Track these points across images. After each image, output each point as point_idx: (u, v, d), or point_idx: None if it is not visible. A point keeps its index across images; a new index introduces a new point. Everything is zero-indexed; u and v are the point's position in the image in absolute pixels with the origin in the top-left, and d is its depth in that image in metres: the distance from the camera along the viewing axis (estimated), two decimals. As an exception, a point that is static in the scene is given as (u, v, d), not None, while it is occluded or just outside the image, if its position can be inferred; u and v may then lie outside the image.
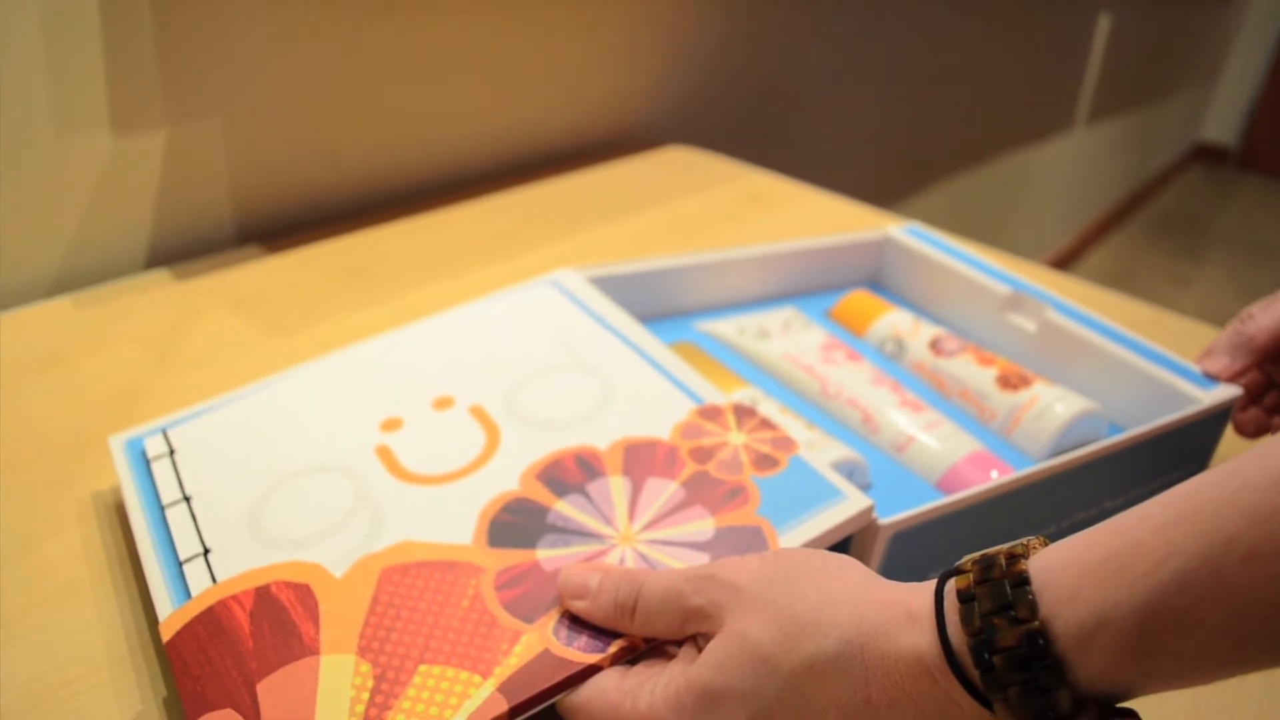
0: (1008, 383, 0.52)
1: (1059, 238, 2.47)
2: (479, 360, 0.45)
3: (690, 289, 0.59)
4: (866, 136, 1.44)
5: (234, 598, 0.34)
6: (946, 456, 0.47)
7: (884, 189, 1.53)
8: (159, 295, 0.65)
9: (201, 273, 0.68)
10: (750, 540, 0.35)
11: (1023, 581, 0.25)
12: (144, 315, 0.62)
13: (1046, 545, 0.27)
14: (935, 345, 0.56)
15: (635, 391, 0.43)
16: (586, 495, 0.37)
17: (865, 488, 0.46)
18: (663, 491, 0.37)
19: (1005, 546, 0.27)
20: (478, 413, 0.42)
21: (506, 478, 0.38)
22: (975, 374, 0.53)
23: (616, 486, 0.38)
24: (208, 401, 0.45)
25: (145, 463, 0.42)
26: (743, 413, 0.41)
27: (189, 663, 0.33)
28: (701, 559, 0.35)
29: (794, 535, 0.36)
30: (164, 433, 0.43)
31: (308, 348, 0.59)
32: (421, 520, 0.37)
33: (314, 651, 0.32)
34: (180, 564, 0.36)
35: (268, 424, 0.43)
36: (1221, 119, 3.54)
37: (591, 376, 0.44)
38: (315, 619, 0.33)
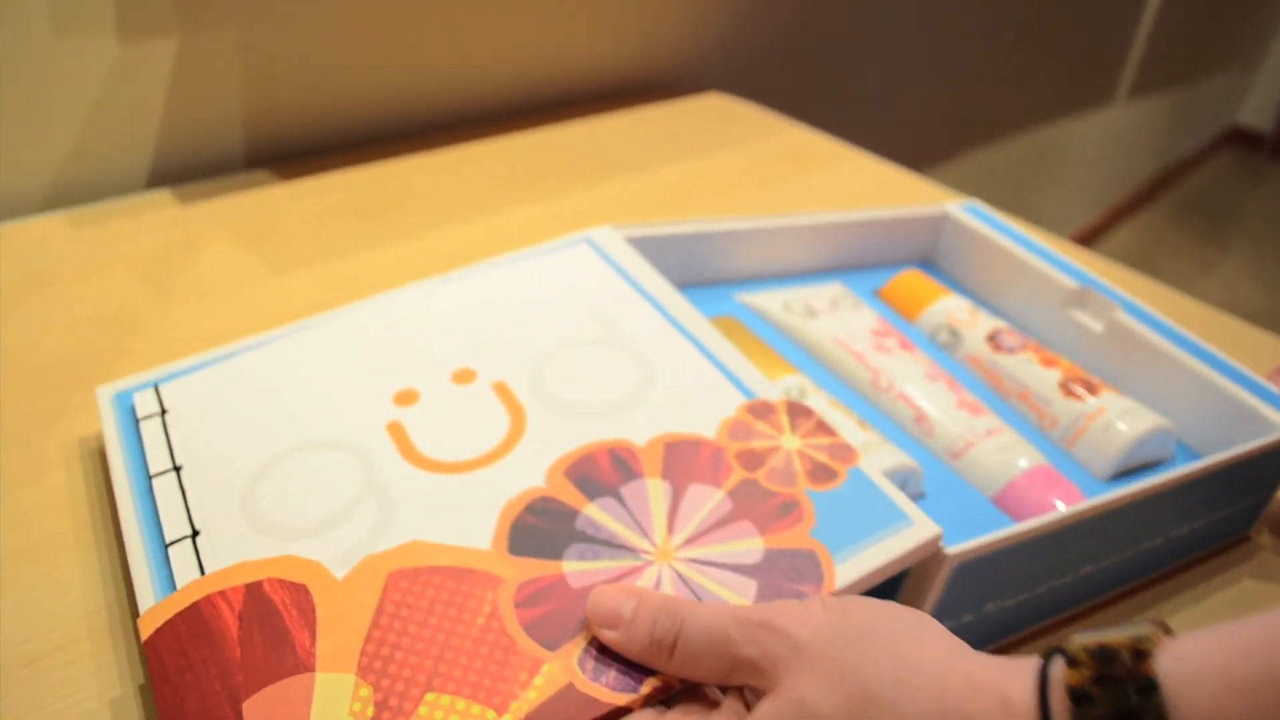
0: (1072, 388, 0.48)
1: (1086, 213, 2.41)
2: (504, 327, 0.41)
3: (732, 256, 0.55)
4: (908, 95, 1.37)
5: (222, 594, 0.30)
6: (1006, 469, 0.43)
7: (918, 149, 1.47)
8: (160, 218, 0.60)
9: (207, 196, 0.63)
10: (803, 568, 0.31)
11: (1150, 687, 0.21)
12: (143, 239, 0.58)
13: (1169, 635, 0.23)
14: (994, 339, 0.51)
15: (677, 377, 0.38)
16: (621, 499, 0.33)
17: (918, 497, 0.42)
18: (706, 501, 0.33)
19: (1124, 635, 0.23)
20: (501, 390, 0.38)
21: (532, 471, 0.34)
22: (1037, 375, 0.49)
23: (655, 491, 0.34)
24: (205, 354, 0.41)
25: (134, 421, 0.38)
26: (797, 411, 0.37)
27: (168, 668, 0.29)
28: (748, 587, 0.31)
29: (852, 564, 0.32)
30: (156, 388, 0.39)
31: (317, 287, 0.55)
32: (434, 515, 0.33)
33: (308, 667, 0.29)
34: (166, 546, 0.33)
35: (269, 386, 0.38)
36: (1259, 104, 3.44)
37: (629, 355, 0.39)
38: (312, 627, 0.30)
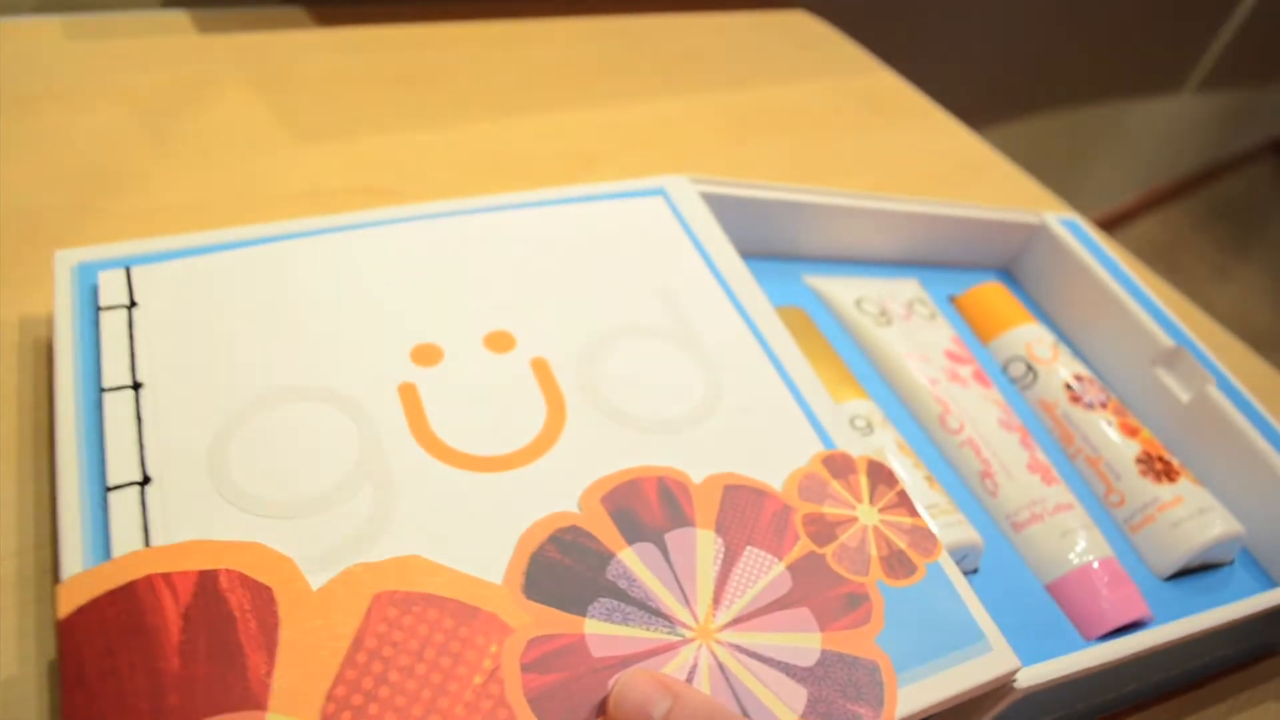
0: (1151, 468, 0.43)
1: (1122, 195, 2.33)
2: (556, 287, 0.34)
3: (806, 229, 0.48)
4: (985, 47, 1.28)
5: (168, 580, 0.25)
6: (1068, 557, 0.38)
7: (979, 101, 1.39)
8: (171, 47, 0.52)
9: (230, 29, 0.55)
10: (863, 684, 0.26)
11: None
12: (148, 68, 0.50)
13: None
14: (1073, 389, 0.46)
15: (748, 401, 0.33)
16: (664, 550, 0.28)
17: (970, 573, 0.37)
18: (763, 572, 0.28)
19: None
20: (541, 370, 0.32)
21: (564, 489, 0.29)
22: (1114, 443, 0.44)
23: (705, 546, 0.28)
24: (195, 235, 0.34)
25: (94, 309, 0.31)
26: (879, 476, 0.31)
27: (86, 667, 0.23)
28: (797, 696, 0.26)
29: (917, 690, 0.27)
30: (127, 270, 0.32)
31: (338, 168, 0.48)
32: (441, 523, 0.27)
33: (260, 703, 0.23)
34: (106, 490, 0.27)
35: (266, 297, 0.32)
36: (1314, 114, 3.33)
37: (696, 360, 0.33)
38: (271, 648, 0.24)
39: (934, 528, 0.35)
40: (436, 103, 0.54)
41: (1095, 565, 0.38)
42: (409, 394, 0.30)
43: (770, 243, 0.48)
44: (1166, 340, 0.48)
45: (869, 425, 0.38)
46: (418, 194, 0.48)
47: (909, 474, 0.37)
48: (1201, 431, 0.46)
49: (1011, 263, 0.55)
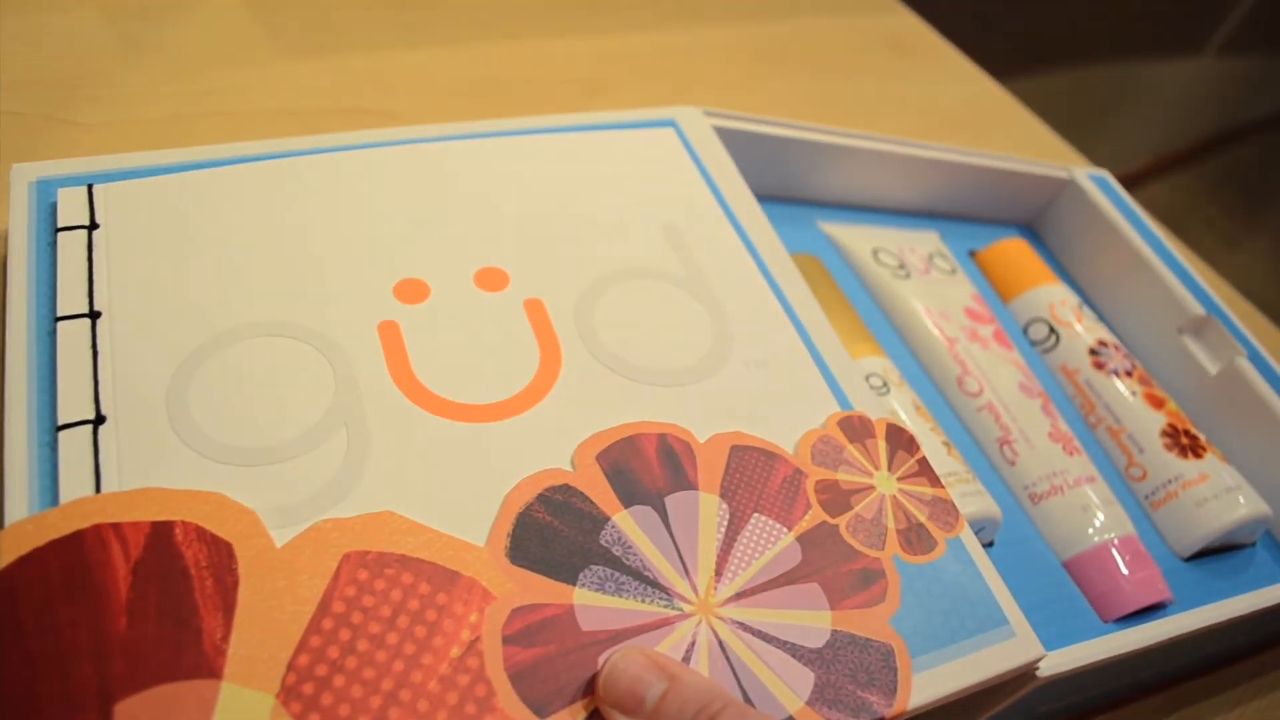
0: (1176, 442, 0.41)
1: (1136, 158, 2.29)
2: (556, 222, 0.32)
3: (821, 171, 0.45)
4: (1010, -9, 1.24)
5: (117, 530, 0.22)
6: (1088, 533, 0.36)
7: (998, 53, 1.34)
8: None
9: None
10: (875, 669, 0.24)
11: None
12: (117, -38, 0.46)
13: None
14: (1098, 354, 0.43)
15: (760, 353, 0.30)
16: (664, 514, 0.25)
17: (986, 546, 0.35)
18: (771, 542, 0.26)
19: None
20: (536, 312, 0.29)
21: (556, 443, 0.26)
22: (1139, 414, 0.41)
23: (708, 512, 0.26)
24: (165, 153, 0.31)
25: (52, 230, 0.28)
26: (899, 441, 0.29)
27: (25, 624, 0.21)
28: (804, 680, 0.24)
29: (933, 678, 0.25)
30: (89, 188, 0.29)
31: (328, 85, 0.44)
32: (420, 476, 0.25)
33: (214, 671, 0.21)
34: (56, 429, 0.24)
35: (240, 223, 0.29)
36: (1332, 82, 3.27)
37: (704, 304, 0.31)
38: (229, 609, 0.22)
39: (952, 500, 0.32)
40: (436, 20, 0.51)
41: (1116, 543, 0.36)
42: (390, 333, 0.28)
43: (785, 185, 0.45)
44: (1196, 308, 0.45)
45: (885, 384, 0.36)
46: (411, 117, 0.45)
47: (926, 439, 0.34)
48: (1229, 405, 0.44)
49: (1036, 219, 0.53)
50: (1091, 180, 0.50)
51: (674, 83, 0.56)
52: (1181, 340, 0.45)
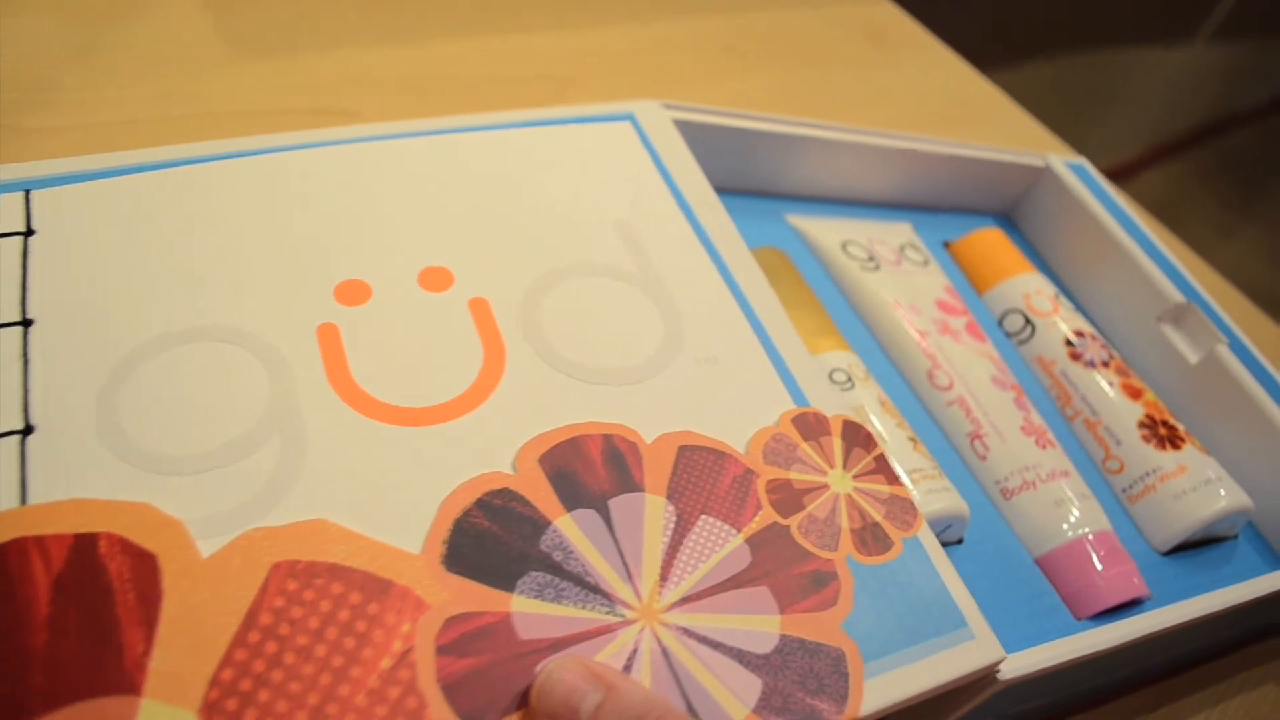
0: (1154, 433, 0.40)
1: (1127, 149, 2.28)
2: (505, 219, 0.31)
3: (788, 163, 0.44)
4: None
5: (40, 543, 0.22)
6: (1061, 529, 0.35)
7: (982, 45, 1.33)
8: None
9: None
10: (825, 675, 0.23)
11: None
12: (70, -36, 0.45)
13: None
14: (1075, 345, 0.43)
15: (712, 350, 0.29)
16: (607, 517, 0.25)
17: (954, 543, 0.34)
18: (719, 545, 0.25)
19: None
20: (480, 311, 0.28)
21: (497, 446, 0.25)
22: (1116, 405, 0.41)
23: (654, 514, 0.25)
24: (108, 156, 0.30)
25: (-19, 234, 0.28)
26: (855, 437, 0.28)
27: (-65, 641, 0.20)
28: (750, 687, 0.23)
29: (886, 683, 0.24)
30: (27, 194, 0.29)
31: (283, 88, 0.44)
32: (355, 482, 0.24)
33: (133, 687, 0.20)
34: (-20, 440, 0.23)
35: (180, 226, 0.28)
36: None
37: (655, 300, 0.30)
38: (151, 623, 0.21)
39: (916, 496, 0.32)
40: (398, 18, 0.50)
41: (1090, 538, 0.35)
42: (329, 336, 0.27)
43: (751, 178, 0.44)
44: (1176, 295, 0.44)
45: (850, 379, 0.35)
46: (373, 116, 0.44)
47: (891, 435, 0.34)
48: (1210, 395, 0.43)
49: (1013, 208, 0.52)
50: (1068, 168, 0.50)
51: (645, 77, 0.55)
52: (1161, 329, 0.45)
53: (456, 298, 0.28)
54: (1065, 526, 0.35)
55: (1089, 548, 0.35)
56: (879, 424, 0.34)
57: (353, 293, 0.28)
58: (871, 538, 0.26)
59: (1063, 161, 0.50)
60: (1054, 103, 1.65)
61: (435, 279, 0.29)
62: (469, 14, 0.52)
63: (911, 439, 0.34)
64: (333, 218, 0.29)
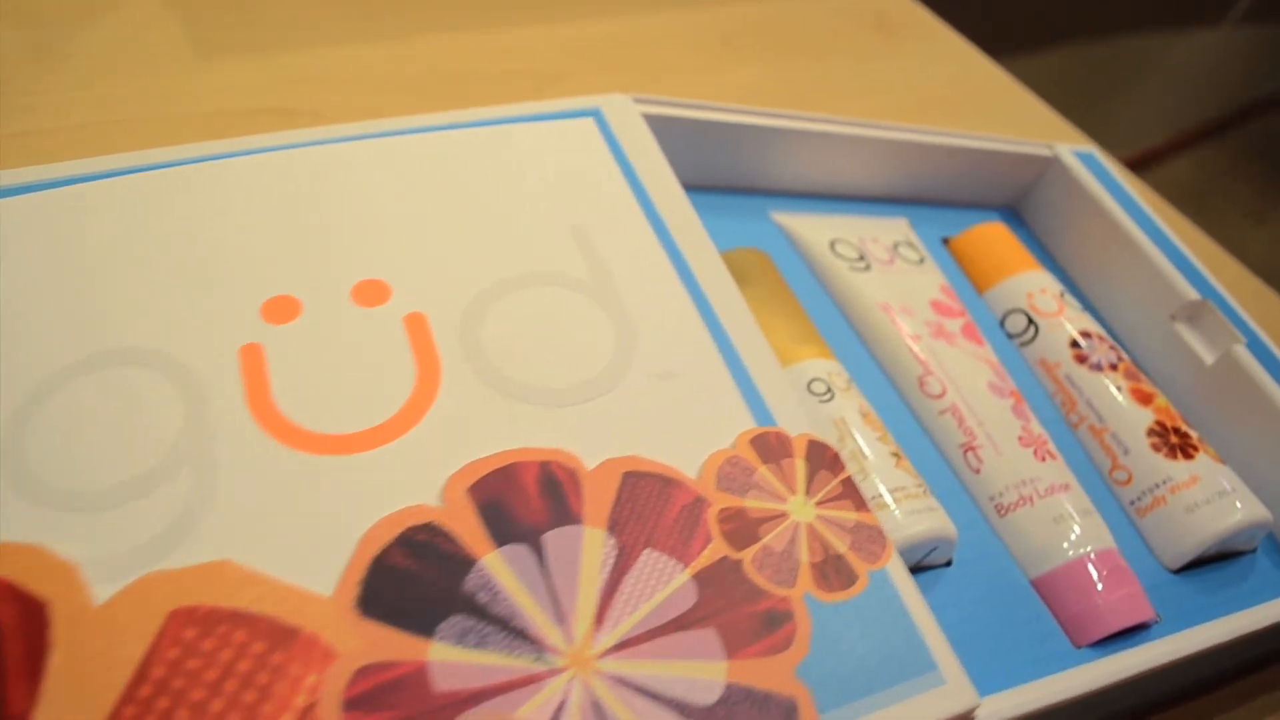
0: (1165, 441, 0.37)
1: (1153, 135, 2.22)
2: (448, 227, 0.29)
3: (774, 157, 0.42)
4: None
5: (-87, 590, 0.20)
6: (1060, 548, 0.33)
7: (1001, 32, 1.30)
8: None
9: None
10: (776, 726, 0.21)
11: None
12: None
13: None
14: (1080, 347, 0.40)
15: (667, 365, 0.27)
16: (540, 553, 0.23)
17: (942, 566, 0.32)
18: (663, 582, 0.23)
19: None
20: (417, 327, 0.26)
21: (425, 476, 0.24)
22: (1124, 411, 0.38)
23: (592, 549, 0.23)
24: (54, 167, 0.29)
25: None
26: (820, 459, 0.26)
27: None
28: (691, 742, 0.21)
29: (846, 733, 0.22)
30: (-65, 206, 0.27)
31: (256, 85, 0.42)
32: (266, 518, 0.22)
33: (4, 752, 0.19)
34: None
35: (103, 243, 0.27)
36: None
37: (608, 312, 0.28)
38: (36, 676, 0.19)
39: (898, 516, 0.29)
40: (374, 13, 0.48)
41: (1091, 557, 0.33)
42: (253, 357, 0.25)
43: (735, 174, 0.42)
44: (1190, 292, 0.42)
45: (830, 390, 0.32)
46: (343, 117, 0.42)
47: (873, 450, 0.31)
48: (1227, 399, 0.40)
49: (1019, 201, 0.49)
50: (1077, 158, 0.47)
51: (635, 71, 0.53)
52: (1174, 328, 0.42)
53: (391, 313, 0.26)
54: (1065, 545, 0.33)
55: (1090, 568, 0.33)
56: (860, 438, 0.31)
57: (281, 310, 0.26)
58: (834, 572, 0.24)
59: (1071, 150, 0.47)
60: (1076, 91, 1.61)
61: (370, 293, 0.27)
62: (450, 8, 0.50)
63: (895, 454, 0.32)
64: (265, 229, 0.28)
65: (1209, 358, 0.41)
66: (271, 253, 0.27)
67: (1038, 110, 0.63)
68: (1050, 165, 0.47)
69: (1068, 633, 0.32)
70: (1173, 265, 0.42)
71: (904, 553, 0.29)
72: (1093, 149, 0.48)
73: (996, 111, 0.62)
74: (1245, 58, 2.25)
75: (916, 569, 0.31)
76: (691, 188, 0.40)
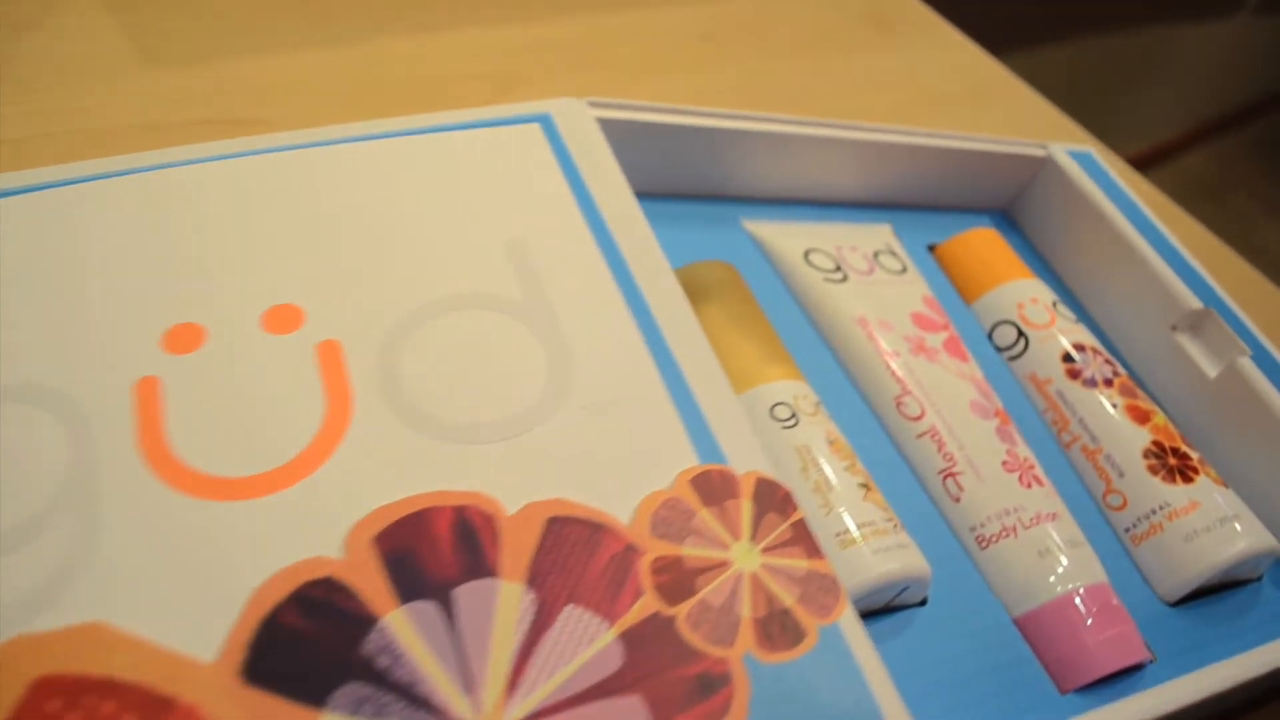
0: (1164, 463, 0.35)
1: (1167, 128, 2.17)
2: (371, 246, 0.27)
3: (747, 162, 0.40)
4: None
5: None
6: (1047, 584, 0.30)
7: (1008, 28, 1.26)
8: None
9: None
10: (707, 807, 0.19)
11: None
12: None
13: None
14: (1074, 362, 0.37)
15: (604, 395, 0.25)
16: (450, 611, 0.21)
17: (915, 605, 0.30)
18: (585, 642, 0.21)
19: None
20: (330, 356, 0.24)
21: (327, 525, 0.21)
22: (1119, 430, 0.35)
23: (507, 605, 0.21)
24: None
25: None
26: (769, 501, 0.24)
27: None
28: (609, 827, 0.19)
29: (787, 813, 0.19)
30: None
31: (202, 94, 0.40)
32: (152, 574, 0.20)
33: None
34: None
35: (6, 264, 0.25)
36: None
37: (542, 338, 0.26)
38: None
39: (865, 555, 0.27)
40: (325, 18, 0.46)
41: (1080, 593, 0.30)
42: (148, 392, 0.23)
43: (705, 178, 0.39)
44: (1192, 300, 0.39)
45: (794, 415, 0.30)
46: (292, 125, 0.40)
47: (839, 479, 0.29)
48: (1231, 415, 0.38)
49: (1012, 203, 0.47)
50: (1072, 158, 0.44)
51: (608, 71, 0.50)
52: (1175, 339, 0.39)
53: (303, 341, 0.24)
54: (1051, 579, 0.31)
55: (1078, 604, 0.30)
56: (826, 467, 0.29)
57: (183, 339, 0.24)
58: (779, 628, 0.21)
59: (1066, 150, 0.45)
60: (1089, 85, 1.58)
61: (281, 319, 0.25)
62: (413, 8, 0.48)
63: (864, 485, 0.29)
64: (171, 250, 0.26)
65: (1212, 371, 0.38)
66: (177, 276, 0.25)
67: (1040, 107, 0.60)
68: (1044, 166, 0.45)
69: (1053, 676, 0.29)
70: (1174, 272, 0.40)
71: (871, 594, 0.27)
72: (1090, 148, 0.45)
73: (996, 110, 0.59)
74: (1263, 47, 2.20)
75: (886, 609, 0.29)
76: (658, 196, 0.38)
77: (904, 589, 0.28)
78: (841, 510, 0.28)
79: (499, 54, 0.48)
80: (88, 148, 0.37)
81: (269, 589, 0.20)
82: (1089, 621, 0.30)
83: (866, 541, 0.28)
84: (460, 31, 0.48)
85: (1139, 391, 0.37)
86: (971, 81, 0.61)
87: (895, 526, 0.29)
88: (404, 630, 0.20)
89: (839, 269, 0.38)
